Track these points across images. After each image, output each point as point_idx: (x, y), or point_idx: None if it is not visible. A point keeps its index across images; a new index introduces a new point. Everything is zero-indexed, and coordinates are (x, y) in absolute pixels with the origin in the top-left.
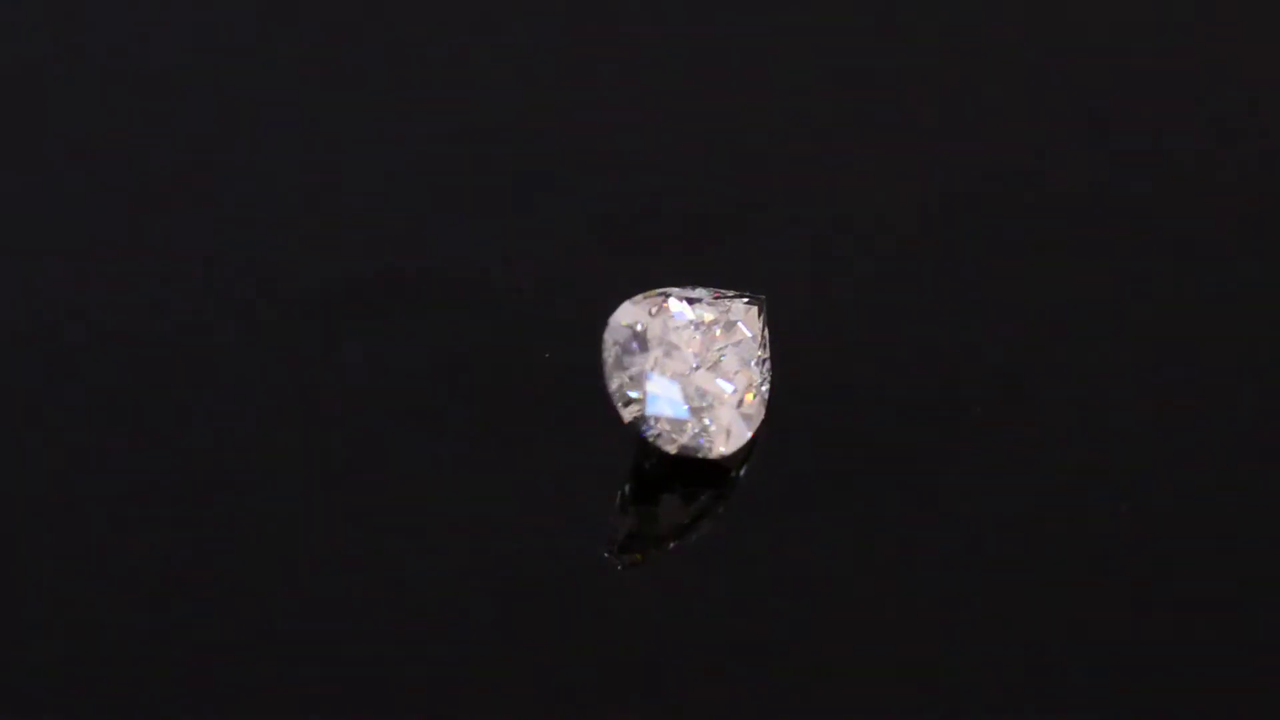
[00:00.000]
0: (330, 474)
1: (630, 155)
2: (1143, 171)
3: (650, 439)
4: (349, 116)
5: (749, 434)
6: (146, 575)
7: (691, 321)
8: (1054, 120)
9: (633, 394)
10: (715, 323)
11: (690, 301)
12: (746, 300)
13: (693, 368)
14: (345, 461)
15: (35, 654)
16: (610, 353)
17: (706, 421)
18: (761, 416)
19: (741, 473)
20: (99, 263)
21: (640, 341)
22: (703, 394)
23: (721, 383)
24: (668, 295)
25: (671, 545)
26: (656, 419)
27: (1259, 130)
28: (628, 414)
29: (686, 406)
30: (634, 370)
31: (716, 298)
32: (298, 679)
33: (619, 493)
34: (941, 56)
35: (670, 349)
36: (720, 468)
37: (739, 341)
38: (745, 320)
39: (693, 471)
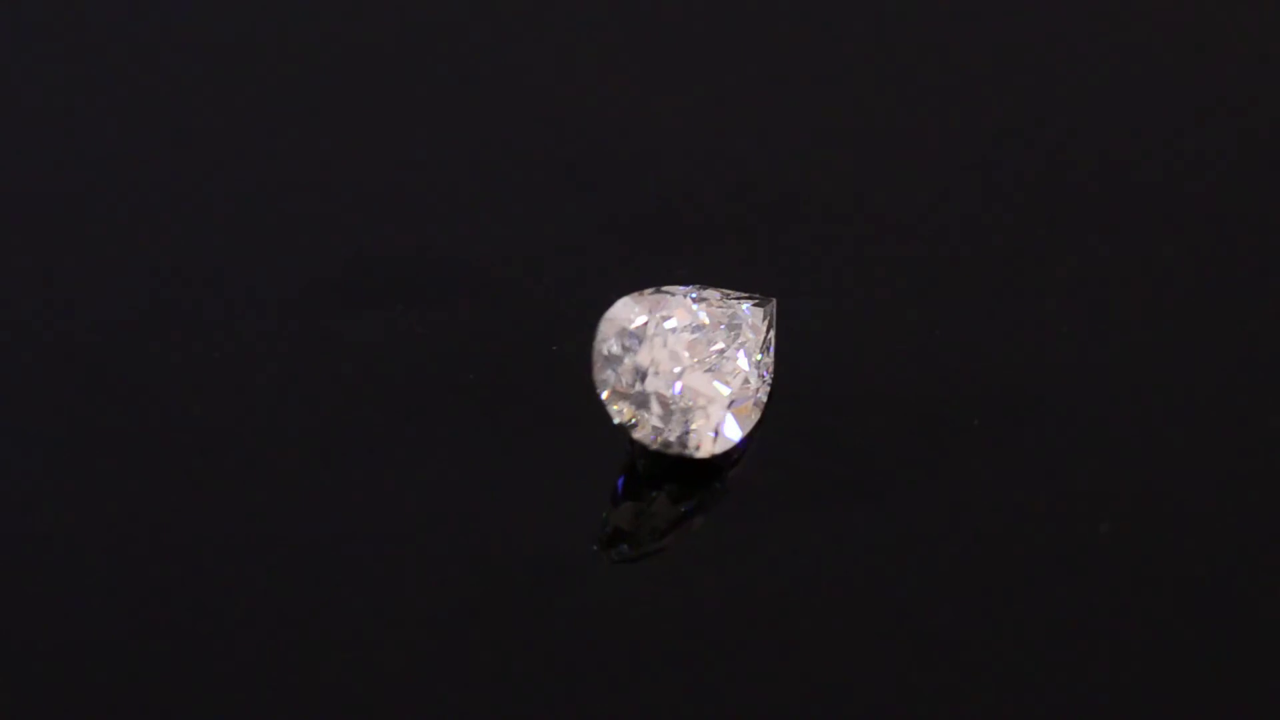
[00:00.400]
0: (326, 468)
1: (642, 154)
2: (1148, 174)
3: (636, 436)
4: (359, 111)
5: (739, 436)
6: (141, 571)
7: (691, 322)
8: (1060, 124)
9: (622, 390)
10: (717, 323)
11: (696, 300)
12: (755, 302)
13: (687, 367)
14: (341, 455)
15: (34, 652)
16: (603, 348)
17: (699, 422)
18: (755, 419)
19: (732, 474)
20: (97, 259)
21: (636, 338)
22: (695, 394)
23: (717, 384)
24: (671, 293)
25: (663, 543)
26: (645, 416)
27: (1261, 130)
28: (615, 410)
29: (676, 405)
30: (625, 366)
31: (724, 298)
32: (291, 676)
33: (612, 489)
34: (951, 59)
35: (665, 347)
36: (712, 467)
37: (741, 343)
38: (750, 322)
39: (686, 470)
